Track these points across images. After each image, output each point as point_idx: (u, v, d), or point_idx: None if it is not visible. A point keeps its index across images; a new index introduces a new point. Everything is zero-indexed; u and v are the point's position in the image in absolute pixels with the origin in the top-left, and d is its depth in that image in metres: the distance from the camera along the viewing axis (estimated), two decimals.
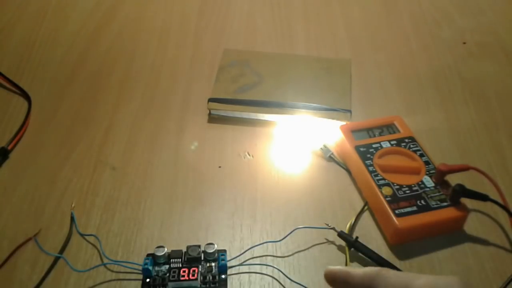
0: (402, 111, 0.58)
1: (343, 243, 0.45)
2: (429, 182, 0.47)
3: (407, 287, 0.31)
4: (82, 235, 0.46)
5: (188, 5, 0.76)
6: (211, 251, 0.43)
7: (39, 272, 0.43)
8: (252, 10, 0.76)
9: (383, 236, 0.46)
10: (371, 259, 0.44)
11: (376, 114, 0.57)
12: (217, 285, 0.42)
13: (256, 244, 0.45)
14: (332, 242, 0.46)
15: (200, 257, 0.44)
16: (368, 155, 0.50)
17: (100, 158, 0.54)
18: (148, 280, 0.42)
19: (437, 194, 0.46)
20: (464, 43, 0.69)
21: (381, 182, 0.47)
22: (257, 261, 0.45)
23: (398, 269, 0.43)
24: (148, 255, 0.44)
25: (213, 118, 0.58)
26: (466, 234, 0.46)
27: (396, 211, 0.44)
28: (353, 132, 0.53)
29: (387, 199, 0.46)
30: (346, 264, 0.44)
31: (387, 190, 0.46)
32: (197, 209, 0.49)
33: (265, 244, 0.46)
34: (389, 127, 0.54)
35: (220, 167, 0.53)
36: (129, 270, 0.44)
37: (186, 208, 0.49)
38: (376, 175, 0.48)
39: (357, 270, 0.34)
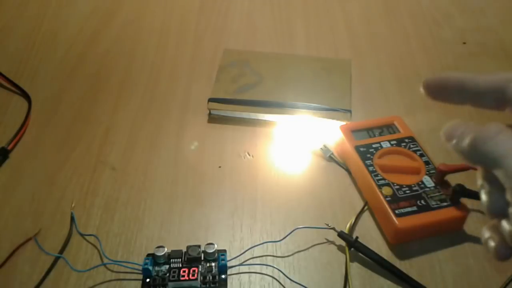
0: (402, 111, 0.58)
1: (343, 243, 0.45)
2: (429, 182, 0.47)
3: None
4: (82, 235, 0.47)
5: (188, 5, 0.76)
6: (211, 251, 0.43)
7: (39, 272, 0.43)
8: (252, 10, 0.76)
9: (383, 236, 0.46)
10: (371, 259, 0.44)
11: (376, 114, 0.57)
12: (217, 285, 0.42)
13: (256, 244, 0.45)
14: (332, 242, 0.46)
15: (200, 257, 0.43)
16: (368, 155, 0.50)
17: (100, 158, 0.54)
18: (148, 280, 0.42)
19: (437, 194, 0.46)
20: (464, 43, 0.69)
21: (381, 182, 0.47)
22: (257, 261, 0.45)
23: (398, 269, 0.43)
24: (148, 255, 0.44)
25: (213, 118, 0.58)
26: (466, 234, 0.46)
27: (396, 211, 0.44)
28: (353, 132, 0.53)
29: (387, 199, 0.46)
30: (346, 264, 0.44)
31: (387, 190, 0.46)
32: (197, 209, 0.49)
33: (265, 244, 0.46)
34: (389, 127, 0.54)
35: (220, 167, 0.53)
36: (129, 270, 0.44)
37: (186, 208, 0.49)
38: (376, 175, 0.48)
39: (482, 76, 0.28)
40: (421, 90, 0.31)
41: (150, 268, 0.42)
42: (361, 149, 0.51)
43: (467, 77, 0.29)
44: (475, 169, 0.49)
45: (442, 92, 0.31)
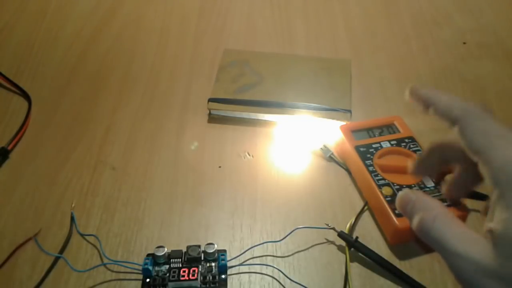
0: (402, 111, 0.58)
1: (343, 243, 0.45)
2: (429, 182, 0.47)
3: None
4: (82, 235, 0.47)
5: (188, 5, 0.76)
6: (211, 251, 0.43)
7: (39, 272, 0.43)
8: (252, 10, 0.76)
9: (383, 236, 0.46)
10: (371, 259, 0.44)
11: (376, 114, 0.57)
12: (217, 285, 0.42)
13: (256, 244, 0.45)
14: (332, 242, 0.46)
15: (200, 257, 0.44)
16: (368, 155, 0.50)
17: (100, 158, 0.54)
18: (148, 280, 0.42)
19: (437, 194, 0.46)
20: (464, 43, 0.69)
21: (381, 182, 0.47)
22: (257, 261, 0.45)
23: (398, 269, 0.43)
24: (148, 255, 0.44)
25: (213, 118, 0.58)
26: None
27: (396, 211, 0.44)
28: (353, 132, 0.53)
29: (387, 199, 0.46)
30: (346, 264, 0.44)
31: (387, 190, 0.46)
32: (197, 209, 0.49)
33: (265, 244, 0.46)
34: (389, 127, 0.54)
35: (220, 167, 0.53)
36: (129, 270, 0.44)
37: (186, 208, 0.49)
38: (376, 175, 0.48)
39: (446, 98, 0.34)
40: (406, 95, 0.36)
41: (150, 268, 0.42)
42: (361, 149, 0.51)
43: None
44: None
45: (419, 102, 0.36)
